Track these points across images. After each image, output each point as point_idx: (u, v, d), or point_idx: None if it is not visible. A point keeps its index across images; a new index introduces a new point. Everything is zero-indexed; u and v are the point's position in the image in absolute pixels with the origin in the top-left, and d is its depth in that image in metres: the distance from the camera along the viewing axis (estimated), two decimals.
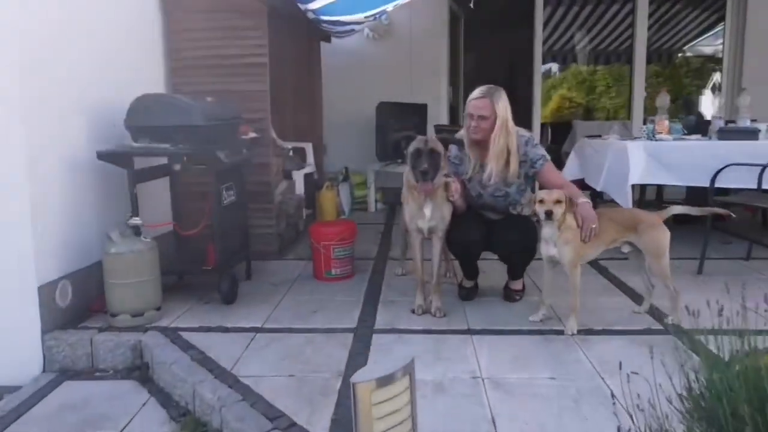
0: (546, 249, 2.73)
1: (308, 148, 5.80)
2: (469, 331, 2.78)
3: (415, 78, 6.42)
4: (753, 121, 4.64)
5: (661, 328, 2.78)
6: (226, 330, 2.83)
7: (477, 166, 3.04)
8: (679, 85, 11.09)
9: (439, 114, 6.47)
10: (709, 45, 9.61)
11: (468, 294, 3.23)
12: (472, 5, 5.69)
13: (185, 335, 2.76)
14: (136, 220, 2.85)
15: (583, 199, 2.75)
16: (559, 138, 8.37)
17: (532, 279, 3.45)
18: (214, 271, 3.19)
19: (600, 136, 5.02)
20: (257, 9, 3.89)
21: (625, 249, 2.88)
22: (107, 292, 2.84)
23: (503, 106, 2.93)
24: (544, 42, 7.22)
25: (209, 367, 2.41)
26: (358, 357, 2.51)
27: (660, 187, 5.13)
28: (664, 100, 4.34)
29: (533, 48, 6.75)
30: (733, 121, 4.71)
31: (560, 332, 2.73)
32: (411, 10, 6.27)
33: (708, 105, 9.72)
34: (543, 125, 7.99)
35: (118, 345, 2.72)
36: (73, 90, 2.97)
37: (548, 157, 3.01)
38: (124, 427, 2.24)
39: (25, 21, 2.64)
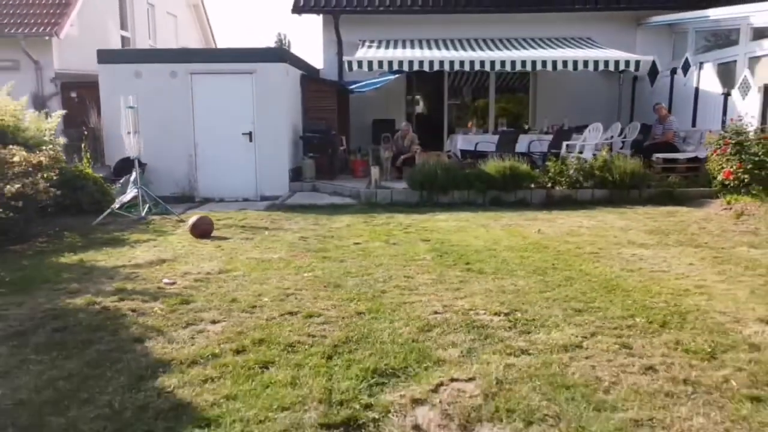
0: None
1: (343, 139, 13.77)
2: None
3: (390, 106, 14.36)
4: (520, 127, 12.73)
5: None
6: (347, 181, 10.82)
7: (402, 142, 11.06)
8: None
9: (399, 123, 14.38)
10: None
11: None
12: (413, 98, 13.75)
13: (329, 182, 10.76)
14: (311, 155, 10.83)
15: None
16: None
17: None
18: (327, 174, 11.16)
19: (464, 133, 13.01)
20: (330, 88, 11.93)
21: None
22: (304, 171, 10.82)
23: (411, 129, 10.95)
24: (450, 86, 15.10)
25: (348, 185, 10.45)
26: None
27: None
28: (471, 125, 12.34)
29: (443, 91, 14.72)
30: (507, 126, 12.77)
31: None
32: None
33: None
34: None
35: (306, 186, 10.73)
36: (287, 120, 10.96)
37: (417, 142, 10.97)
38: (329, 204, 10.18)
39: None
